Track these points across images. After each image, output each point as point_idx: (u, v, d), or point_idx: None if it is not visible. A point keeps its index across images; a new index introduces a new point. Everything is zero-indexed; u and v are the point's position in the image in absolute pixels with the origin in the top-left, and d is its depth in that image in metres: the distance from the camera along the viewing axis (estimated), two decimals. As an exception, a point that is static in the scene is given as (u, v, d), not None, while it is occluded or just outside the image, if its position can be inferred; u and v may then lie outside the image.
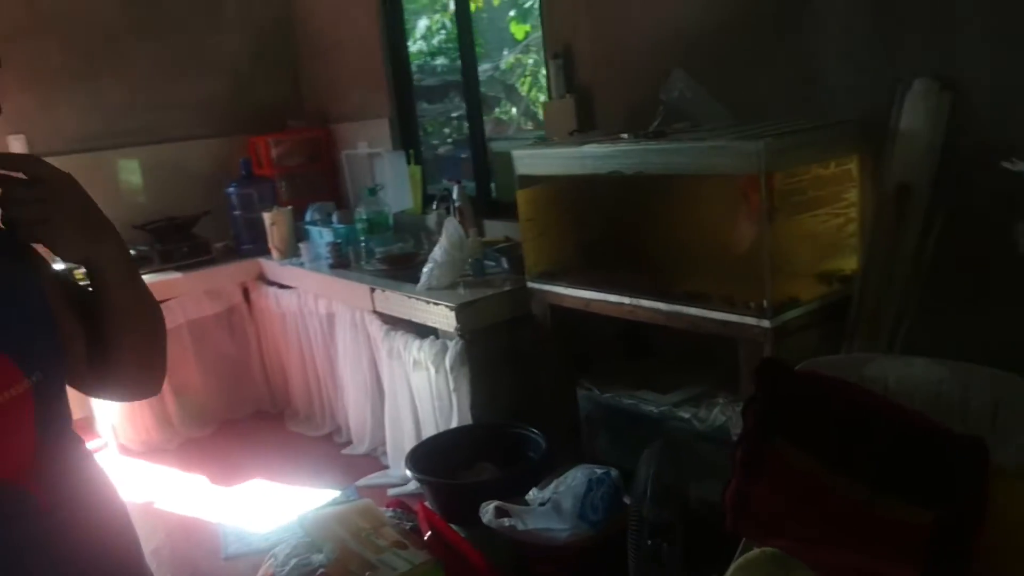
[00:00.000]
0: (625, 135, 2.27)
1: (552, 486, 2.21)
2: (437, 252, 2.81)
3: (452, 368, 2.65)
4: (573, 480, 2.17)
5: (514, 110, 4.88)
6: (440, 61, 4.98)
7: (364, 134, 4.01)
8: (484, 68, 3.72)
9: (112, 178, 3.95)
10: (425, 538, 2.17)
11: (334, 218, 3.63)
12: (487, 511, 2.17)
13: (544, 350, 2.61)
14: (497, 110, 4.73)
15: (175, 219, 3.86)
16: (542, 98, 4.51)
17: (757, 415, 1.46)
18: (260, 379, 3.99)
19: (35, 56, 3.76)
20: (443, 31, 4.93)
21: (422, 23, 4.74)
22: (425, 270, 2.82)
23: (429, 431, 2.83)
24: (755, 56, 2.30)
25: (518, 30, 4.69)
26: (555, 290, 2.49)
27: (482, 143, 3.53)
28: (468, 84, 3.48)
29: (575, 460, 2.39)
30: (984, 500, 1.25)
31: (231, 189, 3.95)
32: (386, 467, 3.20)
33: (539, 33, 4.42)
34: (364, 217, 3.42)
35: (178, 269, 3.70)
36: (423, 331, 2.83)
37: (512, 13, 4.70)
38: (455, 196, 3.18)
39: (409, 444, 2.89)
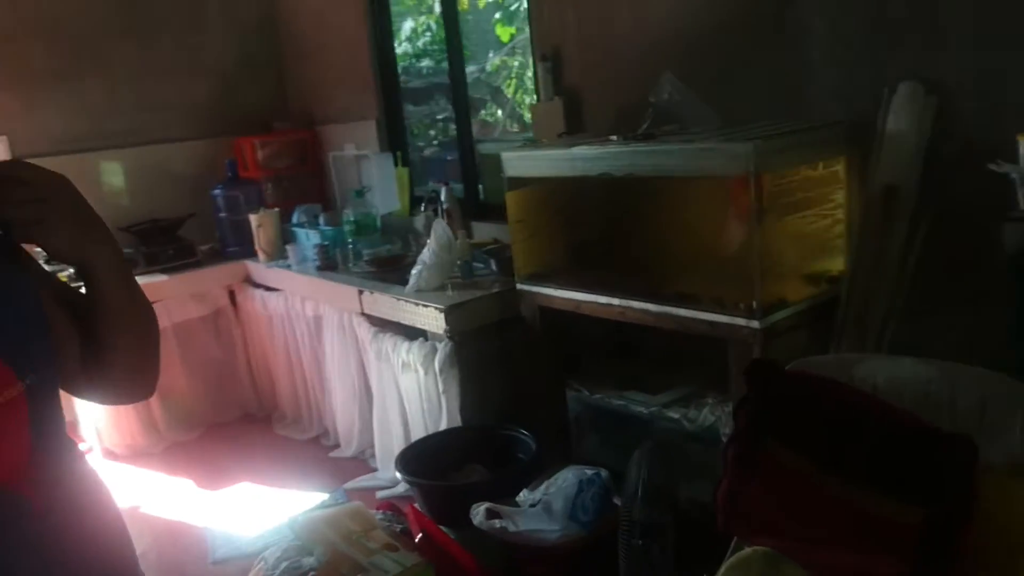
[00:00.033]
0: (615, 137, 2.28)
1: (543, 487, 2.22)
2: (426, 254, 2.81)
3: (441, 370, 2.64)
4: (563, 481, 2.18)
5: (500, 112, 4.88)
6: (425, 63, 4.98)
7: (351, 136, 4.00)
8: (470, 70, 3.72)
9: (96, 180, 3.92)
10: (416, 540, 2.16)
11: (321, 220, 3.62)
12: (478, 513, 2.17)
13: (534, 352, 2.61)
14: (483, 112, 4.73)
15: (160, 221, 3.83)
16: (528, 100, 4.53)
17: (748, 415, 1.47)
18: (246, 382, 3.97)
19: (18, 58, 3.72)
20: (428, 33, 4.93)
21: (407, 25, 4.74)
22: (414, 272, 2.81)
23: (418, 433, 2.82)
24: (743, 59, 2.32)
25: (503, 32, 4.70)
26: (545, 292, 2.49)
27: (470, 145, 3.54)
28: (456, 86, 3.48)
29: (565, 461, 2.40)
30: (973, 498, 1.26)
31: (217, 191, 3.93)
32: (374, 470, 3.19)
33: (524, 35, 4.44)
34: (352, 219, 3.41)
35: (163, 272, 3.68)
36: (412, 333, 2.82)
37: (497, 15, 4.70)
38: (443, 198, 3.18)
39: (398, 447, 2.89)
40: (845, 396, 1.46)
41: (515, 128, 4.67)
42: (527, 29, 3.40)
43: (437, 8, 4.46)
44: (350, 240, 3.40)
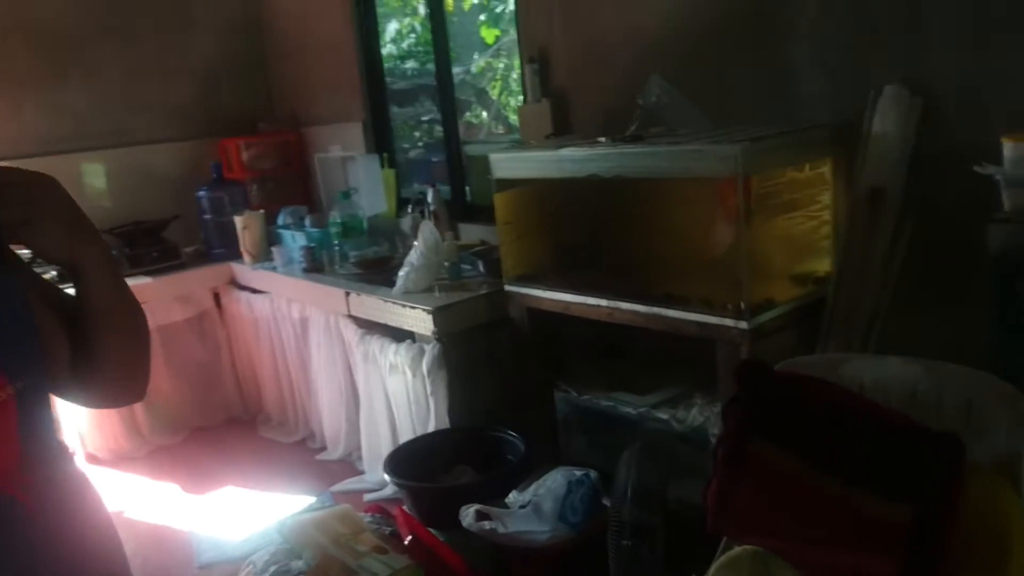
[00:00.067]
0: (603, 139, 2.29)
1: (532, 488, 2.22)
2: (413, 256, 2.80)
3: (429, 372, 2.64)
4: (553, 482, 2.18)
5: (485, 114, 4.89)
6: (410, 65, 4.97)
7: (337, 137, 3.99)
8: (455, 72, 3.72)
9: (79, 181, 3.88)
10: (405, 543, 2.16)
11: (307, 222, 3.61)
12: (467, 514, 2.17)
13: (522, 353, 2.61)
14: (468, 114, 4.73)
15: (144, 223, 3.80)
16: (513, 102, 4.53)
17: (738, 415, 1.48)
18: (232, 385, 3.94)
19: (1, 59, 3.68)
20: (413, 34, 4.92)
21: (391, 26, 4.73)
22: (401, 274, 2.81)
23: (406, 435, 2.82)
24: (730, 61, 2.33)
25: (488, 34, 4.70)
26: (533, 293, 2.49)
27: (457, 146, 3.53)
28: (443, 87, 3.48)
29: (554, 462, 2.40)
30: (960, 495, 1.27)
31: (202, 193, 3.90)
32: (361, 472, 3.18)
33: (509, 37, 4.45)
34: (338, 221, 3.40)
35: (147, 274, 3.65)
36: (399, 335, 2.82)
37: (482, 17, 4.71)
38: (430, 199, 3.18)
39: (385, 449, 2.88)
40: (834, 396, 1.47)
41: (500, 130, 4.68)
42: (512, 31, 3.41)
43: (422, 10, 4.46)
44: (336, 242, 3.39)
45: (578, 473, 2.19)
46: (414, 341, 2.75)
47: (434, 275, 2.81)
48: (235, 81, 4.32)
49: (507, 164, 2.53)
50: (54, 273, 2.19)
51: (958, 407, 1.46)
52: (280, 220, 3.73)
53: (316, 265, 3.34)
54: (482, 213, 3.17)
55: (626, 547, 1.98)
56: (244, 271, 3.69)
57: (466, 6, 4.61)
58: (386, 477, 2.59)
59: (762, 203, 1.99)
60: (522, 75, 2.95)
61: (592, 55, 2.71)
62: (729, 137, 2.00)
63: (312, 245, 3.39)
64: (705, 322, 2.03)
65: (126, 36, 4.01)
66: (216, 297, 3.83)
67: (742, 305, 1.96)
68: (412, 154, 4.62)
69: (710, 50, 2.37)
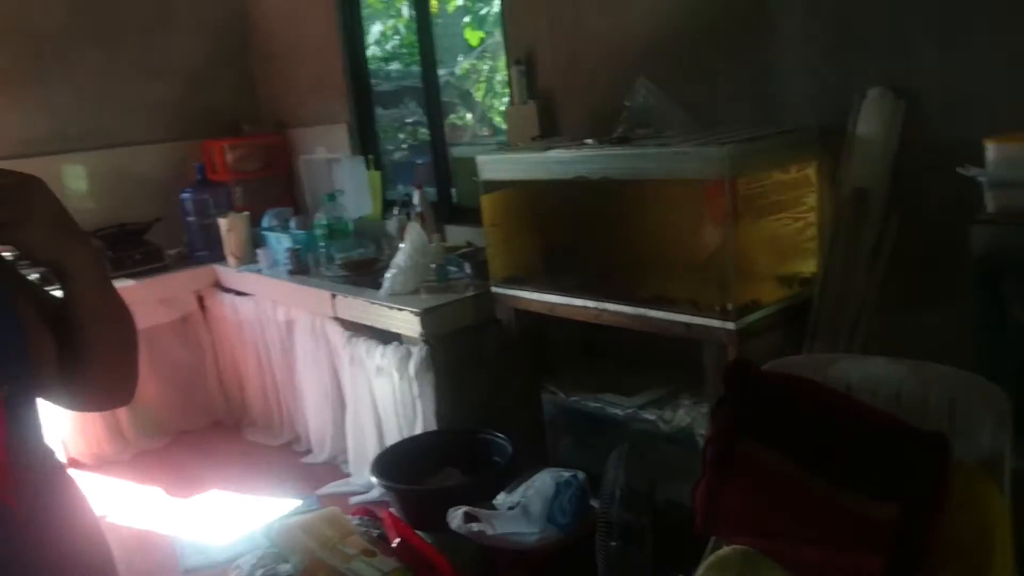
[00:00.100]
0: (590, 141, 2.30)
1: (520, 490, 2.22)
2: (400, 257, 2.80)
3: (416, 374, 2.63)
4: (541, 484, 2.18)
5: (469, 116, 4.89)
6: (394, 66, 4.97)
7: (322, 139, 3.97)
8: (439, 74, 3.73)
9: (60, 183, 3.84)
10: (393, 545, 2.15)
11: (292, 224, 3.59)
12: (455, 516, 2.16)
13: (509, 355, 2.61)
14: (452, 116, 4.74)
15: (126, 225, 3.76)
16: (498, 104, 4.54)
17: (727, 415, 1.48)
18: (216, 389, 3.91)
19: (-21, 59, 3.65)
20: (397, 36, 4.92)
21: (375, 28, 4.72)
22: (388, 275, 2.80)
23: (392, 438, 2.81)
24: (717, 63, 2.35)
25: (472, 36, 4.70)
26: (520, 295, 2.50)
27: (443, 148, 3.53)
28: (429, 89, 3.48)
29: (541, 464, 2.40)
30: (945, 492, 1.29)
31: (186, 195, 3.87)
32: (347, 475, 3.17)
33: (493, 39, 4.45)
34: (324, 223, 3.39)
35: (130, 277, 3.61)
36: (385, 337, 2.81)
37: (466, 19, 4.71)
38: (416, 201, 3.17)
39: (371, 452, 2.87)
40: (821, 396, 1.48)
41: (485, 132, 4.68)
42: (497, 33, 3.41)
43: (405, 12, 4.46)
44: (322, 244, 3.37)
45: (566, 474, 2.19)
46: (401, 343, 2.75)
47: (421, 277, 2.81)
48: (219, 82, 4.29)
49: (494, 166, 2.53)
50: (36, 275, 2.16)
51: (942, 407, 1.48)
52: (265, 222, 3.71)
53: (301, 267, 3.32)
54: (468, 215, 3.17)
55: (614, 548, 1.99)
56: (228, 273, 3.67)
57: (450, 8, 4.61)
58: (374, 480, 2.58)
59: (748, 205, 2.00)
60: (508, 77, 2.96)
61: (578, 57, 2.72)
62: (716, 139, 2.01)
63: (297, 247, 3.37)
64: (692, 323, 2.04)
65: (109, 36, 3.97)
66: (200, 300, 3.80)
67: (729, 306, 1.97)
68: (396, 156, 4.62)
69: (696, 52, 2.38)
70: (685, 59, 2.40)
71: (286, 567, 2.07)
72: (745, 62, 2.28)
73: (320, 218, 3.42)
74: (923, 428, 1.36)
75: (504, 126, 3.29)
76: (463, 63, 4.83)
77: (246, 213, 3.69)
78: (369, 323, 2.84)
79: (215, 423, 3.92)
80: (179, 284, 3.74)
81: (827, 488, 1.36)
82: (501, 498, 2.25)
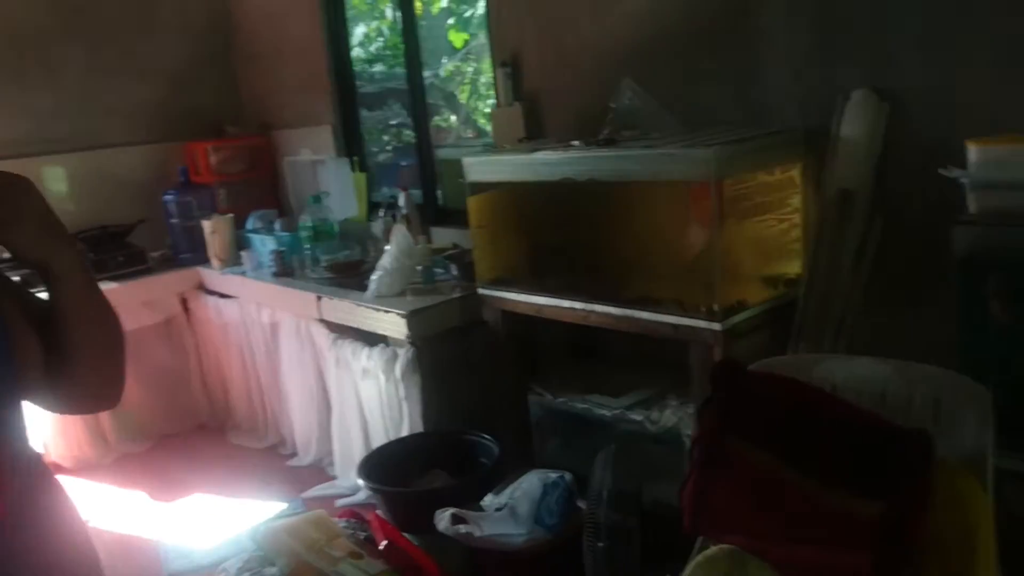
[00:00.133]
0: (576, 142, 2.30)
1: (507, 491, 2.22)
2: (386, 259, 2.79)
3: (403, 376, 2.63)
4: (528, 485, 2.18)
5: (454, 118, 4.89)
6: (378, 68, 4.95)
7: (306, 141, 3.95)
8: (423, 76, 3.73)
9: (41, 185, 3.79)
10: (380, 547, 2.14)
11: (277, 226, 3.57)
12: (443, 518, 2.16)
13: (496, 356, 2.61)
14: (437, 118, 4.73)
15: (109, 227, 3.74)
16: (482, 106, 4.54)
17: (714, 415, 1.49)
18: (200, 391, 3.89)
19: (-42, 59, 3.60)
20: (381, 38, 4.91)
21: (359, 30, 4.71)
22: (374, 277, 2.79)
23: (379, 440, 2.80)
24: (702, 65, 2.36)
25: (456, 38, 4.70)
26: (507, 296, 2.50)
27: (429, 150, 3.53)
28: (414, 91, 3.47)
29: (528, 465, 2.40)
30: (928, 490, 1.30)
31: (169, 196, 3.85)
32: (333, 478, 3.15)
33: (477, 41, 4.45)
34: (309, 225, 3.37)
35: (113, 279, 3.58)
36: (371, 339, 2.80)
37: (451, 21, 4.71)
38: (402, 203, 3.17)
39: (357, 454, 2.86)
40: (807, 395, 1.50)
41: (470, 134, 4.68)
42: (481, 35, 3.40)
43: (390, 13, 4.45)
44: (307, 246, 3.36)
45: (553, 475, 2.19)
46: (387, 345, 2.74)
47: (407, 279, 2.80)
48: (202, 84, 4.26)
49: (481, 167, 2.53)
50: (18, 277, 2.14)
51: (927, 406, 1.49)
52: (249, 224, 3.69)
53: (286, 269, 3.31)
54: (454, 217, 3.17)
55: (602, 548, 1.99)
56: (212, 276, 3.65)
57: (434, 10, 4.61)
58: (360, 482, 2.57)
59: (734, 206, 2.01)
60: (494, 79, 2.96)
61: (564, 59, 2.72)
62: (702, 141, 2.03)
63: (282, 249, 3.36)
64: (679, 324, 2.05)
65: (90, 36, 3.93)
66: (184, 302, 3.78)
67: (715, 307, 1.98)
68: (381, 158, 4.61)
69: (681, 54, 2.39)
70: (670, 61, 2.41)
71: (272, 570, 2.05)
72: (730, 64, 2.30)
73: (305, 220, 3.40)
74: (908, 426, 1.38)
75: (488, 128, 3.29)
76: (447, 65, 4.83)
77: (230, 215, 3.67)
78: (355, 325, 2.83)
79: (199, 426, 3.89)
80: (162, 286, 3.71)
81: (813, 487, 1.37)
82: (488, 500, 2.25)
